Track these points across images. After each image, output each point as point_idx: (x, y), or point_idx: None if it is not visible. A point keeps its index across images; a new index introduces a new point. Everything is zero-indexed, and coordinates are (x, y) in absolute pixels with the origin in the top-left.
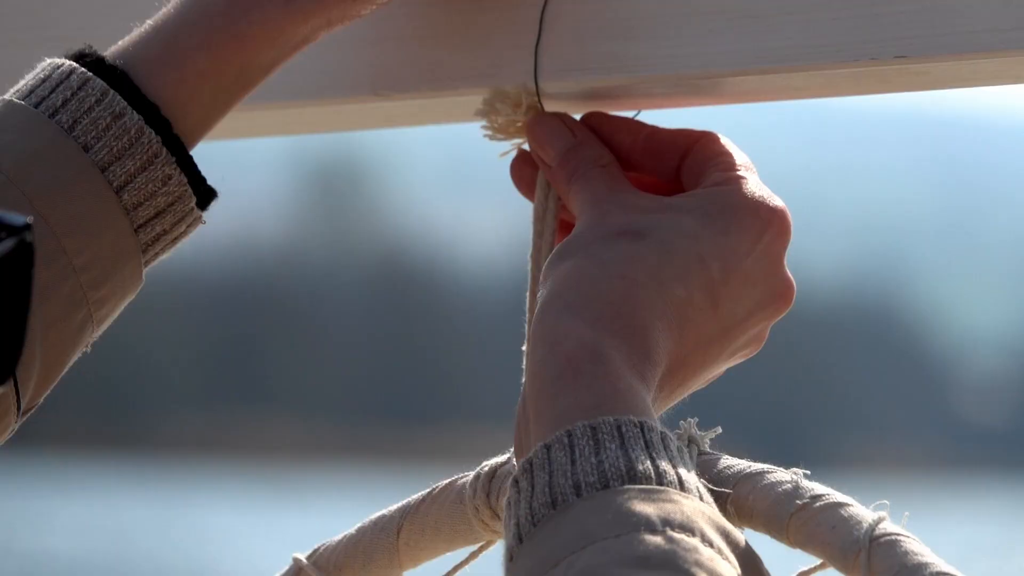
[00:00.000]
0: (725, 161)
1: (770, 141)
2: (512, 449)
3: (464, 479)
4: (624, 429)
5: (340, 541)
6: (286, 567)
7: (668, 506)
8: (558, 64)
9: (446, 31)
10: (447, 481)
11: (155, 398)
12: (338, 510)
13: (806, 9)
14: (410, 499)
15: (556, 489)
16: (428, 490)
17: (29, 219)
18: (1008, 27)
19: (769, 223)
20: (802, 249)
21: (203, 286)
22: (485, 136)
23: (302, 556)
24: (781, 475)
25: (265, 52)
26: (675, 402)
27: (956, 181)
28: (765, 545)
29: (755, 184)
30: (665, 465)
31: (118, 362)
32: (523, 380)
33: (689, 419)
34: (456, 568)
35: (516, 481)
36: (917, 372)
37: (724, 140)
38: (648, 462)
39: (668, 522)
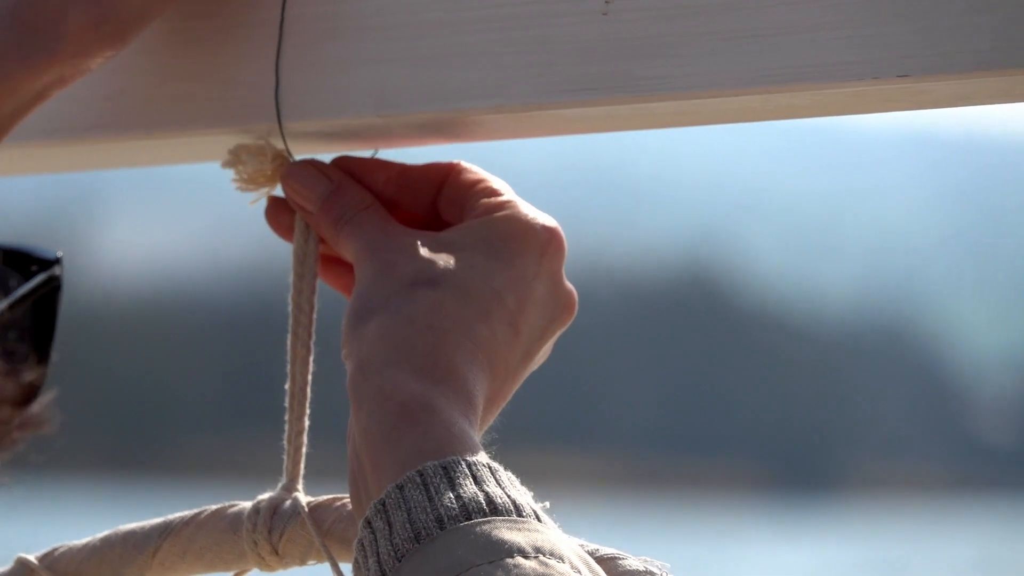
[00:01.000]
0: (486, 188)
1: (784, 164)
2: (283, 484)
3: (235, 507)
4: (474, 468)
5: (82, 548)
6: (8, 566)
7: (534, 535)
8: (302, 106)
9: (190, 67)
10: (215, 507)
11: (183, 421)
12: None
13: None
14: (168, 518)
15: (418, 524)
16: (192, 512)
17: (59, 253)
18: (1008, 45)
19: (548, 243)
20: (818, 271)
21: (227, 311)
22: (236, 188)
23: (31, 556)
24: (637, 561)
25: (3, 106)
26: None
27: (970, 201)
28: None
29: (524, 206)
30: (521, 499)
31: (150, 387)
32: (351, 434)
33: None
34: None
35: (368, 522)
36: (932, 392)
37: (475, 168)
38: (505, 496)
39: (539, 549)
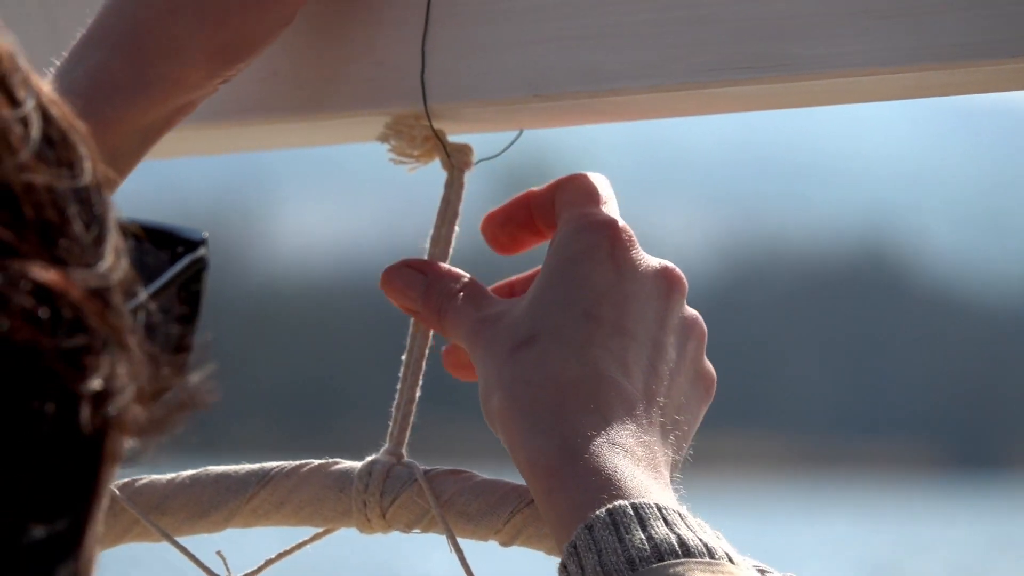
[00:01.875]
0: (559, 212)
1: (959, 144)
2: (387, 449)
3: (339, 465)
4: (664, 512)
5: (168, 483)
6: None
7: None
8: (452, 87)
9: (341, 49)
10: (317, 462)
11: (357, 406)
12: None
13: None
14: (263, 465)
15: (609, 566)
16: (291, 464)
17: (205, 234)
18: None
19: (601, 238)
20: (992, 250)
21: (371, 301)
22: (390, 160)
23: (113, 487)
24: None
25: (129, 137)
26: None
27: None
28: None
29: (576, 217)
30: (713, 542)
31: (324, 372)
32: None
33: None
34: (297, 547)
35: (564, 566)
36: None
37: (571, 181)
38: (697, 539)
39: None
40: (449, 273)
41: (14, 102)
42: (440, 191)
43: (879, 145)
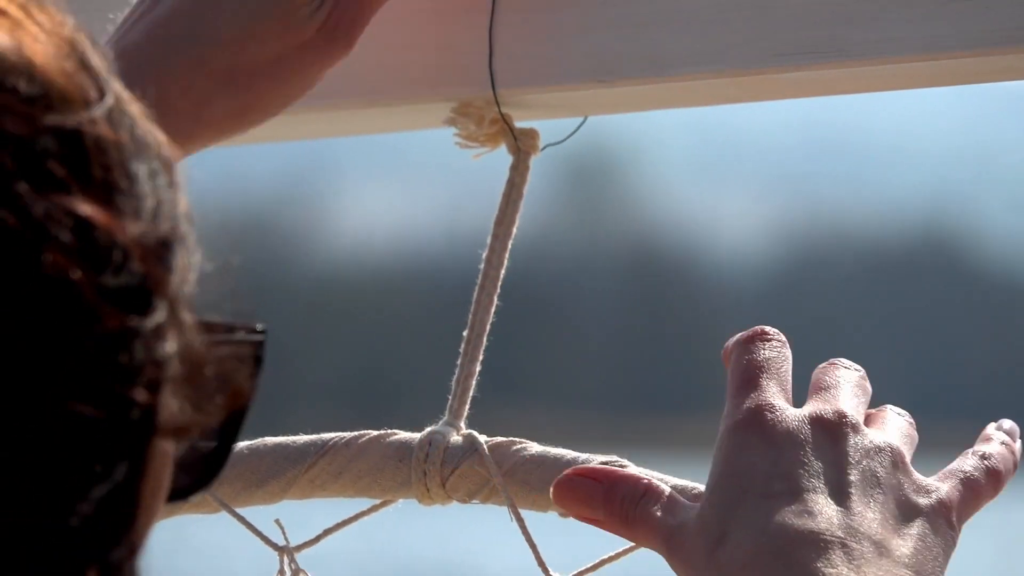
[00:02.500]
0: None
1: (1019, 130)
2: (446, 421)
3: (396, 436)
4: None
5: None
6: None
7: None
8: (519, 74)
9: (409, 37)
10: (374, 433)
11: (418, 391)
12: None
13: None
14: (321, 436)
15: None
16: (350, 435)
17: (262, 327)
18: None
19: (747, 428)
20: None
21: (455, 278)
22: (456, 144)
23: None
24: None
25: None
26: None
27: None
28: None
29: (731, 409)
30: None
31: (386, 358)
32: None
33: None
34: (355, 518)
35: None
36: None
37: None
38: None
39: None
40: (626, 478)
41: (94, 78)
42: (500, 179)
43: (940, 128)
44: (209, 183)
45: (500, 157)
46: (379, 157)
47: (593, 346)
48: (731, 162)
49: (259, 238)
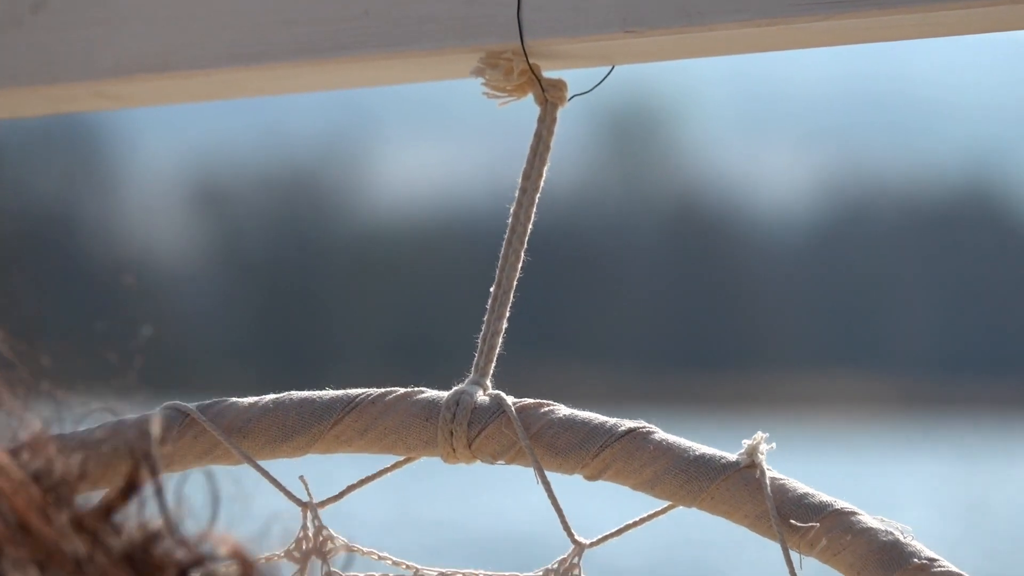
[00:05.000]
0: None
1: None
2: (473, 379)
3: (424, 394)
4: None
5: (251, 406)
6: (158, 410)
7: None
8: (546, 24)
9: None
10: (402, 390)
11: (449, 344)
12: None
13: None
14: (347, 392)
15: None
16: (376, 391)
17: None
18: None
19: None
20: None
21: (498, 234)
22: (484, 95)
23: (192, 405)
24: (872, 521)
25: None
26: None
27: None
28: None
29: None
30: None
31: (428, 313)
32: None
33: (758, 433)
34: (379, 474)
35: None
36: None
37: None
38: None
39: None
40: None
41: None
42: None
43: (985, 82)
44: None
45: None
46: (421, 114)
47: (634, 302)
48: (774, 117)
49: (302, 197)
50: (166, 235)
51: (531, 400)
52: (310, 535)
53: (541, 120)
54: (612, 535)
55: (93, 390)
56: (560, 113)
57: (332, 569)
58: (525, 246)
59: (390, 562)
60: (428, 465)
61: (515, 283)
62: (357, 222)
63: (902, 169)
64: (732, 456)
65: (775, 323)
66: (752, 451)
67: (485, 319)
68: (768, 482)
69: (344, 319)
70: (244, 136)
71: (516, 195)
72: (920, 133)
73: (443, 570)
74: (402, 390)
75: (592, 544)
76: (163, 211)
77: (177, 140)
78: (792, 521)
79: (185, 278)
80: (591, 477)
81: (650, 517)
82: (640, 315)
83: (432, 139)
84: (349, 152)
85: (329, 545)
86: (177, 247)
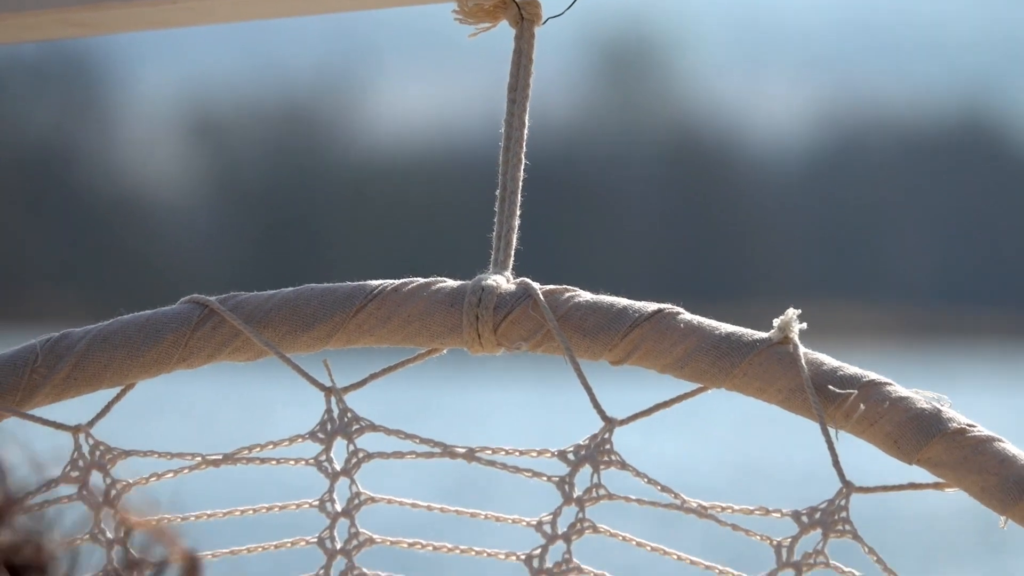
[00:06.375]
0: None
1: None
2: (495, 271)
3: (445, 283)
4: None
5: (271, 297)
6: (178, 303)
7: None
8: None
9: None
10: (421, 280)
11: (449, 274)
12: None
13: None
14: (366, 282)
15: None
16: (400, 281)
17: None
18: None
19: None
20: None
21: (495, 166)
22: (456, 20)
23: (212, 298)
24: (905, 390)
25: None
26: None
27: None
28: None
29: None
30: None
31: (427, 243)
32: None
33: (791, 309)
34: (402, 364)
35: None
36: None
37: None
38: None
39: None
40: None
41: None
42: (537, 64)
43: (980, 10)
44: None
45: (540, 43)
46: (417, 45)
47: (631, 233)
48: (771, 46)
49: (299, 128)
50: (163, 166)
51: (556, 286)
52: (335, 417)
53: (519, 38)
54: (642, 414)
55: (89, 320)
56: (557, 44)
57: (357, 447)
58: (524, 150)
59: (417, 440)
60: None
61: (520, 183)
62: (354, 152)
63: (899, 98)
64: (764, 333)
65: (773, 253)
66: (785, 327)
67: (496, 219)
68: (802, 355)
69: (341, 249)
70: (240, 68)
71: (506, 107)
72: (917, 62)
73: (472, 448)
74: (422, 280)
75: (623, 422)
76: (160, 143)
77: (173, 72)
78: (830, 387)
79: (182, 209)
80: (618, 360)
81: (681, 398)
82: (637, 246)
83: (429, 69)
84: (346, 83)
85: (355, 426)
86: (174, 178)
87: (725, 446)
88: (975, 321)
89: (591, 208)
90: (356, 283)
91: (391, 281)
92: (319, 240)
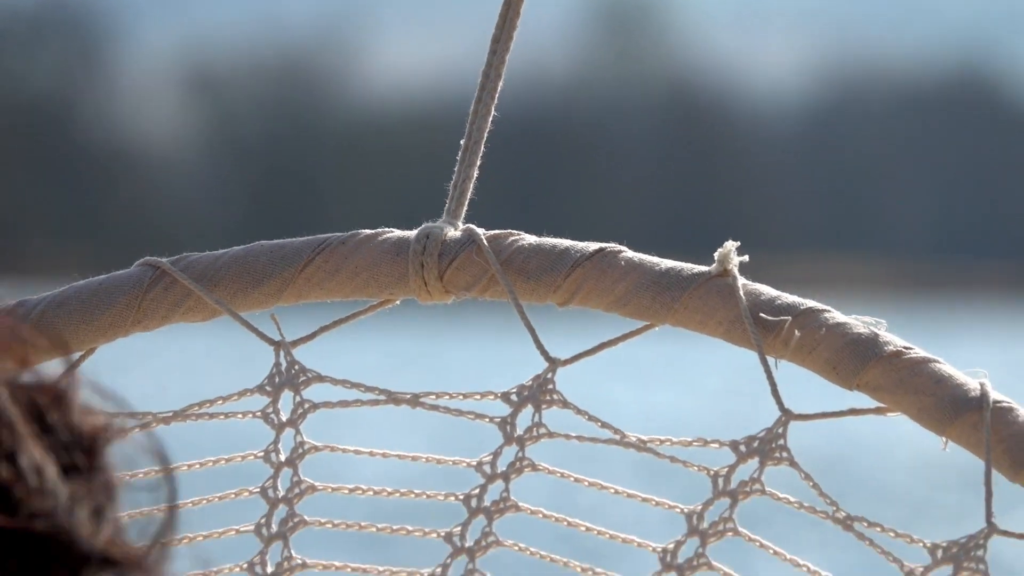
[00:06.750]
0: None
1: None
2: (445, 219)
3: (393, 233)
4: None
5: (221, 255)
6: (134, 267)
7: None
8: None
9: None
10: (369, 231)
11: None
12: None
13: None
14: (318, 236)
15: None
16: (347, 234)
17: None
18: None
19: None
20: None
21: (493, 121)
22: None
23: (163, 260)
24: (842, 316)
25: None
26: None
27: None
28: (797, 382)
29: None
30: None
31: (425, 198)
32: None
33: (729, 242)
34: (352, 316)
35: None
36: None
37: None
38: None
39: None
40: None
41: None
42: (534, 19)
43: None
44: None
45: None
46: (414, 3)
47: (628, 186)
48: (769, 1)
49: (297, 82)
50: (161, 119)
51: (501, 231)
52: (283, 370)
53: None
54: (586, 354)
55: (87, 273)
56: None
57: (304, 398)
58: (495, 102)
59: (363, 388)
60: (399, 319)
61: (485, 134)
62: (351, 106)
63: (897, 52)
64: (703, 267)
65: (769, 206)
66: (724, 259)
67: (456, 168)
68: (740, 286)
69: (338, 202)
70: (238, 22)
71: (486, 57)
72: (915, 16)
73: (417, 394)
74: (370, 231)
75: (565, 362)
76: (158, 96)
77: (172, 26)
78: (762, 315)
79: (180, 161)
80: (564, 302)
81: (626, 337)
82: (635, 199)
83: (425, 23)
84: (344, 37)
85: (301, 377)
86: (172, 131)
87: (716, 397)
88: (972, 273)
89: (589, 161)
90: (306, 238)
91: (339, 234)
92: (315, 192)
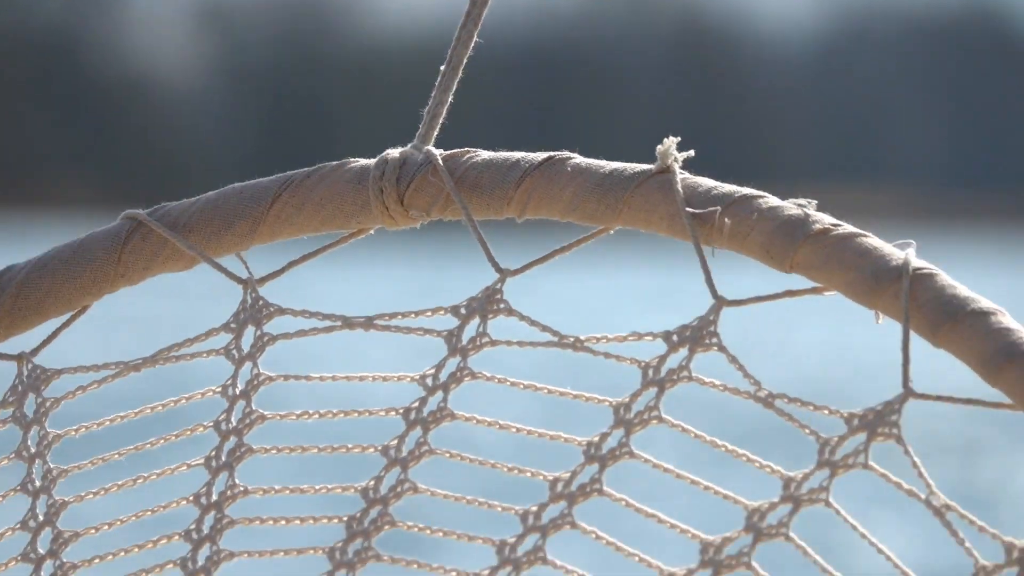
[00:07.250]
0: None
1: None
2: (413, 144)
3: (356, 163)
4: None
5: (195, 201)
6: (118, 220)
7: None
8: None
9: None
10: (336, 163)
11: None
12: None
13: None
14: (288, 173)
15: None
16: (312, 168)
17: None
18: None
19: None
20: None
21: (504, 51)
22: None
23: (142, 211)
24: (776, 200)
25: None
26: None
27: None
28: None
29: None
30: None
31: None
32: None
33: (669, 138)
34: (321, 251)
35: None
36: None
37: None
38: None
39: None
40: None
41: None
42: None
43: None
44: None
45: None
46: None
47: (638, 117)
48: None
49: (307, 11)
50: (172, 50)
51: (458, 150)
52: (247, 307)
53: None
54: (537, 262)
55: (97, 205)
56: None
57: (265, 331)
58: (479, 29)
59: (320, 317)
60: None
61: (463, 62)
62: (361, 34)
63: None
64: (645, 165)
65: (778, 136)
66: (663, 155)
67: (432, 93)
68: (679, 180)
69: (348, 131)
70: None
71: None
72: None
73: (372, 317)
74: (335, 163)
75: (515, 272)
76: (169, 26)
77: None
78: (689, 209)
79: (190, 92)
80: (519, 213)
81: (578, 243)
82: (645, 129)
83: None
84: None
85: (264, 311)
86: (182, 61)
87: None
88: (980, 203)
89: (599, 92)
90: (273, 176)
91: (306, 168)
92: (326, 121)
